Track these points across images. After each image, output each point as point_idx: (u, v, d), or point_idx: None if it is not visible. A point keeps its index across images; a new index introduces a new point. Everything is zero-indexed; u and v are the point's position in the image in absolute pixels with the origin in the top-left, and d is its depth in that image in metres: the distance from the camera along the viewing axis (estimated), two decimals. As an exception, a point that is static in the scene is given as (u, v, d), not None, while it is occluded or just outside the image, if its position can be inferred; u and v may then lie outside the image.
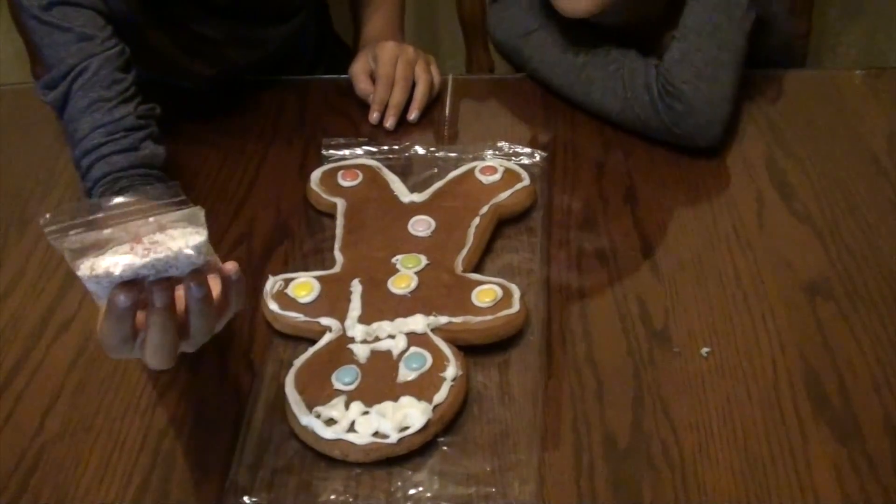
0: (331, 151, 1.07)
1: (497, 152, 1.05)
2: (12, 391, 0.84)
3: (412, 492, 0.73)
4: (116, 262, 0.61)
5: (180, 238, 0.63)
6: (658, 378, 0.82)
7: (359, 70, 1.17)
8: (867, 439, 0.76)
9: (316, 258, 0.94)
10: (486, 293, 0.85)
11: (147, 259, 0.61)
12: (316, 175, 1.03)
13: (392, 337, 0.83)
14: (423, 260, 0.90)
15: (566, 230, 0.97)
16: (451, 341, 0.82)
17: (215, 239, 0.95)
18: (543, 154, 1.05)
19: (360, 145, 1.07)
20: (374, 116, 1.12)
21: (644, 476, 0.74)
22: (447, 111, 1.17)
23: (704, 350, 0.84)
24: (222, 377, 0.84)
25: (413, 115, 1.13)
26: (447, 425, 0.78)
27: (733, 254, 0.94)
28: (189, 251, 0.62)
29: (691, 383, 0.81)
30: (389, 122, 1.12)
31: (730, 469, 0.74)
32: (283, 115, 1.17)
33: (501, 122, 1.16)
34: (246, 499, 0.73)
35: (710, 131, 1.04)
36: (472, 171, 1.01)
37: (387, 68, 1.13)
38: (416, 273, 0.89)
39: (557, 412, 0.79)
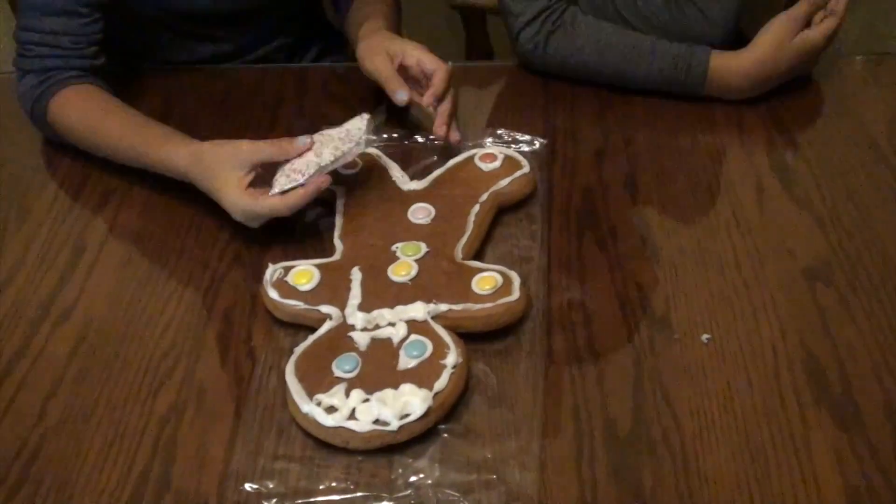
0: (330, 139, 1.06)
1: (497, 139, 1.05)
2: (13, 379, 0.84)
3: (413, 479, 0.73)
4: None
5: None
6: (658, 365, 0.82)
7: (391, 74, 1.05)
8: (867, 425, 0.76)
9: (316, 246, 0.94)
10: (486, 280, 0.85)
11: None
12: (316, 163, 1.02)
13: (392, 324, 0.83)
14: (423, 247, 0.90)
15: (566, 217, 0.97)
16: (451, 329, 0.82)
17: (215, 226, 0.96)
18: (543, 141, 1.05)
19: (359, 133, 1.07)
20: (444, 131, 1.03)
21: (645, 462, 0.74)
22: (447, 98, 1.16)
23: (705, 336, 0.84)
24: (223, 365, 0.84)
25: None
26: (448, 413, 0.78)
27: (733, 240, 0.94)
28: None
29: (692, 370, 0.81)
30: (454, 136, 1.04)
31: (730, 455, 0.74)
32: (282, 103, 1.17)
33: (501, 109, 1.16)
34: (247, 486, 0.73)
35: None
36: (471, 158, 1.01)
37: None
38: (415, 261, 0.89)
39: (558, 399, 0.79)
